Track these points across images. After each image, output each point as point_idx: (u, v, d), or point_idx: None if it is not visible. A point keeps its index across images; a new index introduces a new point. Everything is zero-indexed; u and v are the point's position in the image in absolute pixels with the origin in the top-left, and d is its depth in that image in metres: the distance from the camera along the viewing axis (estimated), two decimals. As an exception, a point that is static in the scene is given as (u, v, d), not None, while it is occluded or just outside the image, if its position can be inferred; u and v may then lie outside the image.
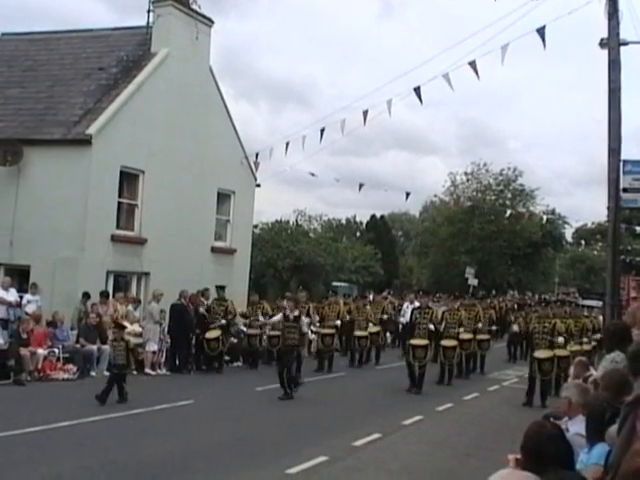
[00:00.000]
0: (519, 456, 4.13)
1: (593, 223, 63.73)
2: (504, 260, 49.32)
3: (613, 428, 4.49)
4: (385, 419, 13.18)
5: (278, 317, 16.84)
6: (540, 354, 16.10)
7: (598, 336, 19.26)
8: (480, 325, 20.42)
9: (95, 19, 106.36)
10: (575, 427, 5.72)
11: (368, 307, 22.89)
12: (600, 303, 32.80)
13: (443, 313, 19.09)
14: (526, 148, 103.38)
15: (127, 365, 14.70)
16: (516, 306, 35.52)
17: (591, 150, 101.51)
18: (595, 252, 65.13)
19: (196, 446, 10.42)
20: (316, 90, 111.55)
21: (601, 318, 20.81)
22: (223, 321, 19.20)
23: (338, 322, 20.96)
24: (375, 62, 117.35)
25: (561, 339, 16.03)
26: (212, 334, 18.88)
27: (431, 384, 17.64)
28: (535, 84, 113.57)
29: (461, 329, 19.08)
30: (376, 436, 11.64)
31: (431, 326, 17.37)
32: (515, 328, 20.40)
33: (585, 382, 8.01)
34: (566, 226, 51.96)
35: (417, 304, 19.74)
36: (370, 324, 21.70)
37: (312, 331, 20.59)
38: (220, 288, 20.05)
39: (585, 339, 19.26)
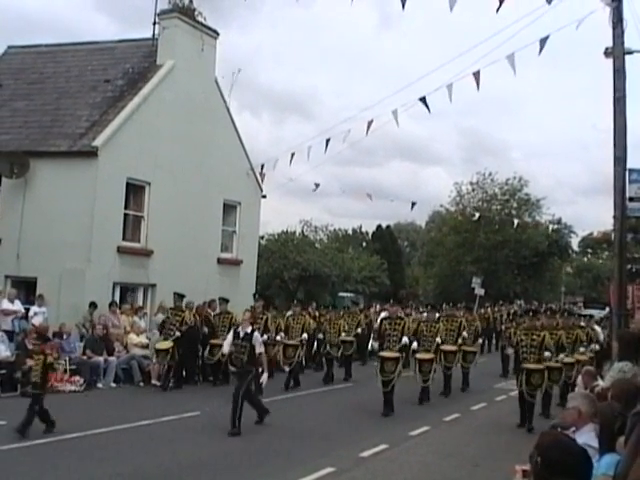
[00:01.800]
0: (526, 467, 4.10)
1: (599, 232, 63.64)
2: (510, 270, 49.24)
3: (622, 438, 4.48)
4: (392, 430, 13.14)
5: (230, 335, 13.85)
6: (529, 365, 14.39)
7: (595, 347, 18.29)
8: (465, 335, 18.86)
9: (97, 31, 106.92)
10: (583, 438, 5.69)
11: (341, 321, 21.15)
12: (603, 312, 32.76)
13: (419, 324, 17.50)
14: (529, 157, 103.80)
15: (42, 384, 11.79)
16: (506, 315, 32.07)
17: (594, 159, 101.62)
18: (601, 261, 64.99)
19: (203, 457, 10.41)
20: (318, 101, 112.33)
21: (597, 328, 20.00)
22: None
23: (305, 336, 18.99)
24: (377, 73, 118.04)
25: (547, 354, 14.45)
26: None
27: (435, 395, 17.58)
28: (538, 93, 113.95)
29: (438, 339, 17.12)
30: (383, 447, 11.60)
31: (405, 339, 15.70)
32: (509, 352, 16.99)
33: (592, 392, 7.99)
34: (572, 235, 51.96)
35: (383, 314, 19.29)
36: (343, 335, 20.44)
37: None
38: (224, 300, 19.31)
39: (582, 349, 17.39)
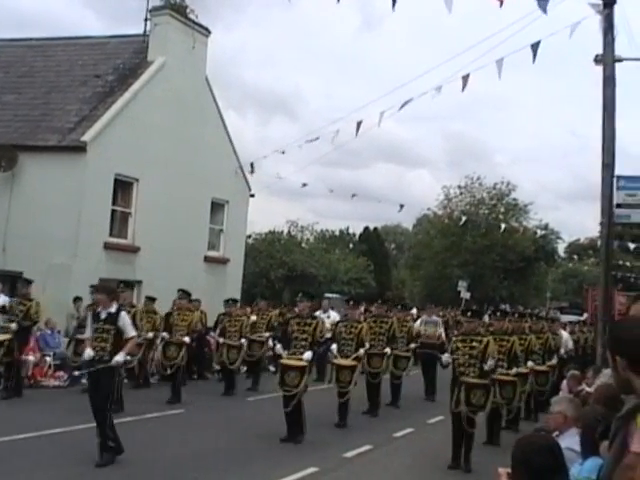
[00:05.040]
0: (509, 470, 4.14)
1: (586, 238, 63.98)
2: (497, 274, 49.36)
3: (606, 442, 4.51)
4: (376, 431, 13.17)
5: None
6: (468, 379, 10.96)
7: (562, 354, 16.43)
8: (397, 337, 16.11)
9: (84, 27, 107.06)
10: (565, 442, 5.72)
11: (253, 317, 18.58)
12: (580, 318, 32.78)
13: (337, 324, 14.96)
14: (513, 162, 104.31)
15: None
16: (452, 321, 28.62)
17: (577, 165, 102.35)
18: (586, 267, 65.30)
19: (186, 456, 10.39)
20: (302, 102, 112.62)
21: (565, 333, 18.32)
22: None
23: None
24: (362, 74, 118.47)
25: (490, 362, 10.97)
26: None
27: (414, 399, 17.62)
28: (526, 99, 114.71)
29: (367, 345, 14.31)
30: (367, 448, 11.62)
31: (361, 350, 13.86)
32: (446, 358, 11.84)
33: (577, 396, 8.03)
34: (559, 241, 52.20)
35: (333, 315, 18.14)
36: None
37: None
38: (233, 301, 18.48)
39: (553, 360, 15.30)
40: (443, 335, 19.13)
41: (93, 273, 19.55)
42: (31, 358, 15.94)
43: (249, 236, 37.54)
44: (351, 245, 60.32)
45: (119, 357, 9.86)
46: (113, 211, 20.80)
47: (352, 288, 45.80)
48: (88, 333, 10.59)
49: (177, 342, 15.76)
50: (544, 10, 12.78)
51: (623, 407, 3.42)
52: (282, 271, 40.14)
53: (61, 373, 16.43)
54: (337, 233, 66.25)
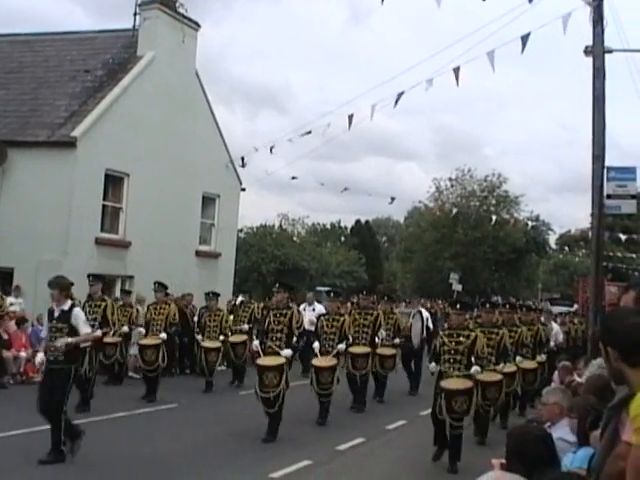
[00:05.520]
0: (504, 460, 4.16)
1: (577, 230, 64.14)
2: (488, 266, 49.48)
3: (597, 432, 4.53)
4: (368, 424, 13.19)
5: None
6: (450, 384, 10.28)
7: (551, 346, 16.59)
8: (383, 334, 15.29)
9: (73, 23, 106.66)
10: (558, 432, 5.76)
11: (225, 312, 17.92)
12: (571, 309, 32.93)
13: (318, 318, 14.05)
14: (502, 154, 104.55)
15: None
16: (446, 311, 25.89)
17: (565, 157, 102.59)
18: (577, 258, 65.51)
19: (179, 450, 10.39)
20: (291, 95, 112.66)
21: (555, 326, 18.36)
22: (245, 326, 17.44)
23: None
24: (351, 67, 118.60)
25: (476, 368, 10.31)
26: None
27: (405, 392, 17.63)
28: (516, 91, 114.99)
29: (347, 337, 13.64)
30: (360, 440, 11.64)
31: (341, 345, 13.18)
32: (432, 367, 10.79)
33: (567, 387, 8.06)
34: (550, 232, 52.35)
35: (319, 308, 17.48)
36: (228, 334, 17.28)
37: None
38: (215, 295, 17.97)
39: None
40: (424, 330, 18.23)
41: (84, 269, 19.42)
42: (23, 354, 15.90)
43: (240, 230, 37.53)
44: (342, 238, 60.40)
45: (60, 341, 9.23)
46: (104, 206, 20.74)
47: (344, 281, 45.91)
48: (44, 333, 10.26)
49: (153, 344, 15.00)
50: (530, 1, 12.83)
51: (614, 397, 3.45)
52: (274, 265, 40.20)
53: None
54: (328, 226, 66.32)
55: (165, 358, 15.12)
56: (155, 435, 11.40)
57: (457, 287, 38.87)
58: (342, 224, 68.67)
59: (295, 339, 11.98)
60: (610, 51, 15.42)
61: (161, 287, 16.06)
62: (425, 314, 19.26)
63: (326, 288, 41.83)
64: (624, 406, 3.21)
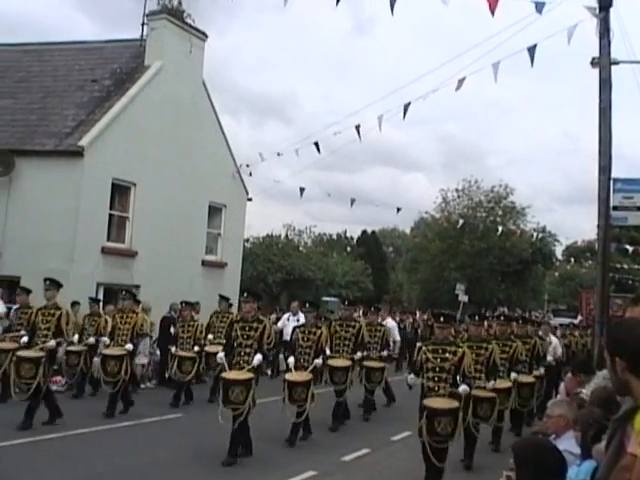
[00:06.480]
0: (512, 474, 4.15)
1: (584, 241, 63.98)
2: (494, 277, 49.34)
3: (600, 445, 4.52)
4: (373, 434, 13.17)
5: None
6: (434, 403, 9.51)
7: (550, 361, 16.23)
8: (367, 346, 14.60)
9: (77, 31, 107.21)
10: (563, 444, 5.73)
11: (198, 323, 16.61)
12: (574, 321, 32.72)
13: (293, 330, 13.11)
14: (507, 165, 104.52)
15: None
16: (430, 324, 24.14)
17: (571, 168, 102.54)
18: (584, 270, 65.36)
19: (184, 459, 10.38)
20: (297, 105, 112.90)
21: (554, 339, 17.84)
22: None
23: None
24: (357, 78, 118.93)
25: (464, 388, 9.55)
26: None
27: (410, 403, 17.53)
28: (521, 102, 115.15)
29: (327, 351, 13.35)
30: (365, 451, 11.63)
31: (317, 360, 12.29)
32: (411, 380, 10.27)
33: (573, 399, 8.03)
34: (556, 243, 52.19)
35: (298, 319, 16.91)
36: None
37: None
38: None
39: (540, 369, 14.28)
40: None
41: (90, 278, 19.55)
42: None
43: (247, 240, 37.59)
44: (349, 248, 60.40)
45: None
46: (110, 215, 20.75)
47: (350, 291, 45.90)
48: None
49: (117, 354, 13.86)
50: (540, 12, 12.83)
51: (619, 409, 3.43)
52: (280, 275, 40.25)
53: (59, 378, 16.40)
54: (334, 237, 66.34)
55: (128, 371, 13.93)
56: (160, 444, 11.37)
57: (463, 298, 38.76)
58: (348, 234, 68.74)
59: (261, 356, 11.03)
60: (617, 62, 15.43)
61: (128, 294, 15.26)
62: (391, 323, 18.39)
63: (332, 298, 41.96)
64: (629, 418, 3.21)
